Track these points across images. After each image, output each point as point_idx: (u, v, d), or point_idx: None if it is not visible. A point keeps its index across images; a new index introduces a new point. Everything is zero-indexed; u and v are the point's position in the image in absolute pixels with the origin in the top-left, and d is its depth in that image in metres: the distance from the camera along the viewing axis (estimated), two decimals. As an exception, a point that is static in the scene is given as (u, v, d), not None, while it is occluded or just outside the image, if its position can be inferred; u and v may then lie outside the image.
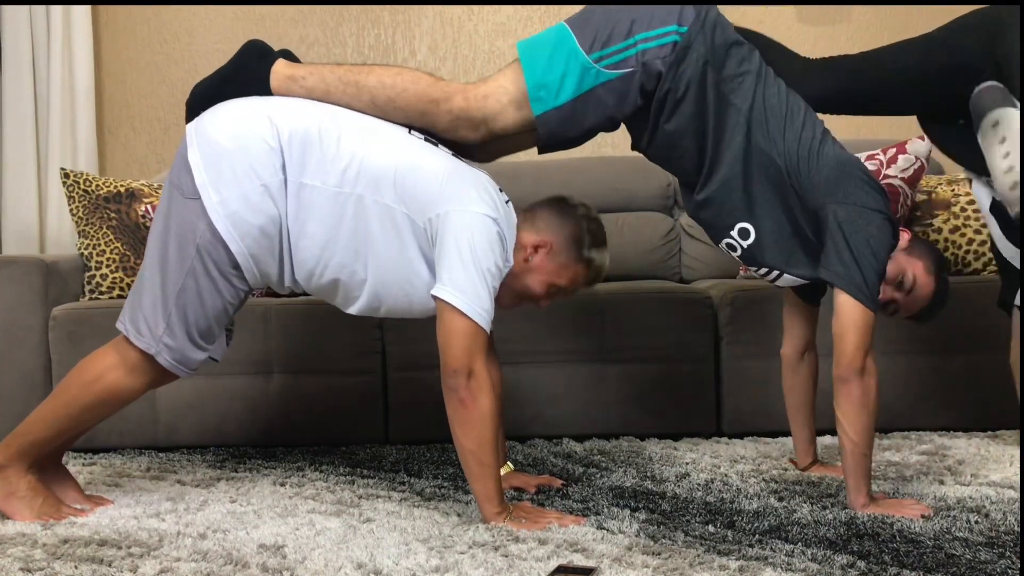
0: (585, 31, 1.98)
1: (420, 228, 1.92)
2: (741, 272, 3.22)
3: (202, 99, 2.02)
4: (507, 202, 2.03)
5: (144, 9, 3.82)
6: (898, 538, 1.78)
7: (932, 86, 2.10)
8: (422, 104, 1.99)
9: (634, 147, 2.15)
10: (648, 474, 2.30)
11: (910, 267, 2.08)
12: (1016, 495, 2.08)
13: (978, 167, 2.11)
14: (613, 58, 1.96)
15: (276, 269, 1.98)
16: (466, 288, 1.86)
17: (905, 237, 2.09)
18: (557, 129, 2.01)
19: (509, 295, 2.04)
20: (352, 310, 2.04)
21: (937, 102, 2.13)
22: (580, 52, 1.96)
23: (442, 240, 1.89)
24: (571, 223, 2.03)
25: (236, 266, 1.93)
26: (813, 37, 3.67)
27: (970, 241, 3.01)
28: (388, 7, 3.82)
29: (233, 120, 1.94)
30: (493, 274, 1.90)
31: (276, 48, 2.09)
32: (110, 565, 1.68)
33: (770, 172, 2.02)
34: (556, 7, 3.76)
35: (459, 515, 1.97)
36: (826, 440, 2.56)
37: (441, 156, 1.98)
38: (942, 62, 2.07)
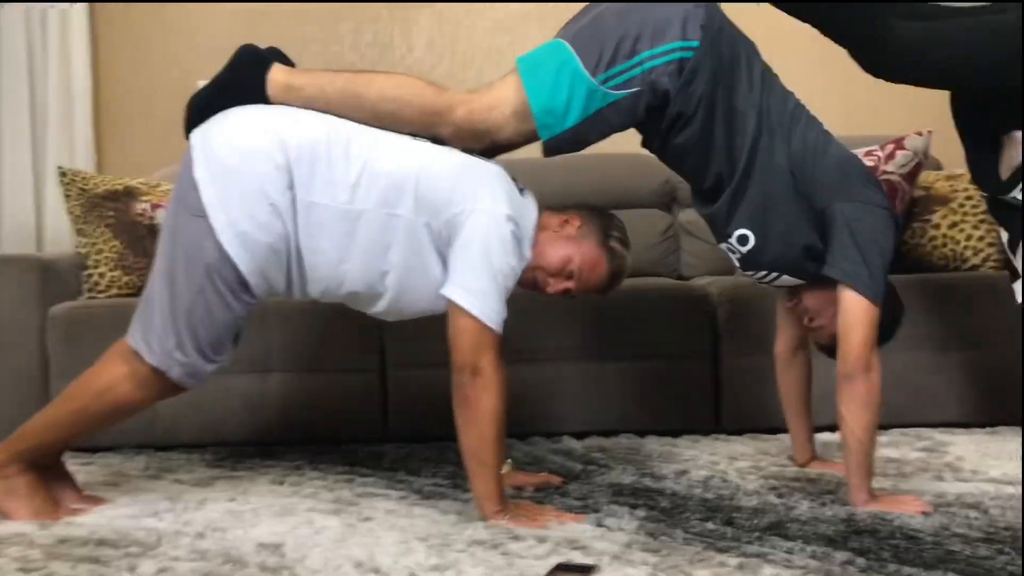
0: (588, 50, 1.91)
1: (436, 231, 1.92)
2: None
3: (199, 112, 1.98)
4: (522, 191, 2.03)
5: (142, 6, 3.81)
6: (897, 534, 1.78)
7: None
8: (425, 117, 1.96)
9: (644, 145, 2.14)
10: (647, 471, 2.30)
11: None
12: (1015, 491, 2.08)
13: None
14: (619, 78, 1.91)
15: (284, 282, 1.98)
16: (474, 288, 1.86)
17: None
18: (563, 149, 2.00)
19: (525, 271, 2.04)
20: (374, 312, 2.05)
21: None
22: (585, 74, 1.90)
23: (455, 241, 1.89)
24: (602, 216, 2.08)
25: (245, 282, 1.92)
26: (812, 35, 3.66)
27: (968, 237, 3.00)
28: (386, 4, 3.81)
29: (239, 135, 1.91)
30: (506, 274, 1.89)
31: (267, 46, 2.05)
32: (108, 565, 1.68)
33: (775, 179, 2.00)
34: (552, 4, 3.74)
35: (458, 513, 1.97)
36: (824, 436, 2.55)
37: (450, 155, 1.96)
38: None
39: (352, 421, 2.75)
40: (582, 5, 2.07)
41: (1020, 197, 2.05)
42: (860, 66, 2.07)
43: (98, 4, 3.80)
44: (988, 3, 2.07)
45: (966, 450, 2.48)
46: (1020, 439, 2.59)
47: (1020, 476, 2.21)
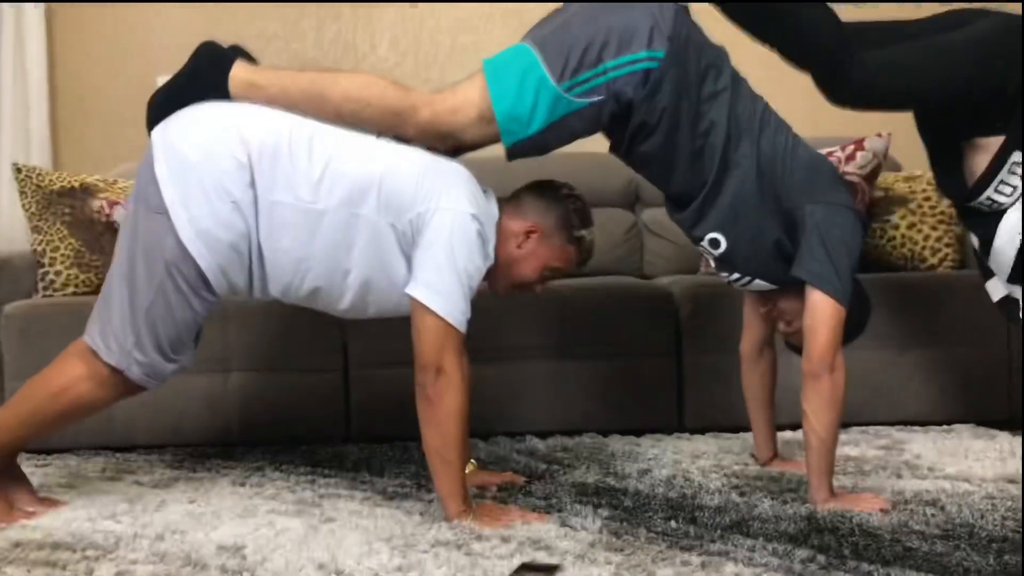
0: (554, 56, 1.90)
1: (400, 232, 1.91)
2: (702, 268, 3.23)
3: (160, 110, 1.96)
4: (485, 191, 2.02)
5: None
6: (857, 532, 1.80)
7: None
8: (388, 118, 1.95)
9: (611, 151, 2.14)
10: (611, 470, 2.31)
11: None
12: (970, 488, 2.11)
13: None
14: (583, 86, 1.91)
15: (245, 280, 1.96)
16: (439, 288, 1.85)
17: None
18: (526, 154, 2.00)
19: (503, 283, 2.06)
20: (337, 312, 2.03)
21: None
22: (550, 81, 1.89)
23: (420, 240, 1.88)
24: (557, 206, 2.05)
25: (206, 280, 1.90)
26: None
27: (926, 237, 3.05)
28: (349, 3, 3.78)
29: (201, 132, 1.89)
30: (471, 274, 1.89)
31: (229, 44, 2.03)
32: (64, 568, 1.65)
33: (744, 184, 2.02)
34: (516, 4, 3.74)
35: (422, 514, 1.96)
36: (786, 435, 2.58)
37: (415, 154, 1.95)
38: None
39: (314, 421, 2.73)
40: (547, 5, 2.06)
41: (988, 203, 2.08)
42: (824, 95, 2.09)
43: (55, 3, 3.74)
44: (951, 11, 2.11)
45: (923, 448, 2.52)
46: (974, 436, 2.64)
47: (976, 473, 2.24)
